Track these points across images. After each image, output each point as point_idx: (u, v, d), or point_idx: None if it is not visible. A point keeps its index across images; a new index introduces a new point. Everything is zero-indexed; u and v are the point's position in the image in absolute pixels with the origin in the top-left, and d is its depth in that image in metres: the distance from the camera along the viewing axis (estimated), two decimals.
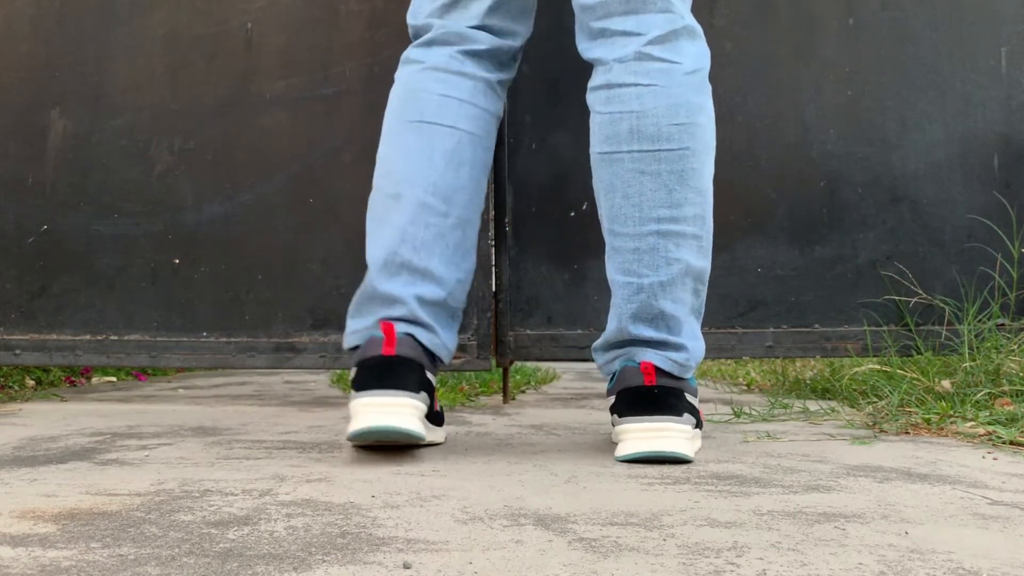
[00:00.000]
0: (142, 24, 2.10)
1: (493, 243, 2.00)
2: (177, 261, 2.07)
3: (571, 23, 1.41)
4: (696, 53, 1.31)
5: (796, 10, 2.03)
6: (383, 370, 1.21)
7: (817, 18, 2.03)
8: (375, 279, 1.28)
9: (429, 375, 1.26)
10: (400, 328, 1.24)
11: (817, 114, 2.02)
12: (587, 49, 1.36)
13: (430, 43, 1.39)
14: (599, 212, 1.34)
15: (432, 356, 1.28)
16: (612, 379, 1.30)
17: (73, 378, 2.80)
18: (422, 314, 1.26)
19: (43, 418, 1.79)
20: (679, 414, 1.24)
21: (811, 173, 2.01)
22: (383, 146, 1.35)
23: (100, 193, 2.08)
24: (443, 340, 1.30)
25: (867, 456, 1.28)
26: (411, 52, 1.41)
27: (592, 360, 1.41)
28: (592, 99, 1.34)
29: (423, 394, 1.24)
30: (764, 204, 2.01)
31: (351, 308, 1.32)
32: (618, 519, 0.87)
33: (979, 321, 1.88)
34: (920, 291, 1.96)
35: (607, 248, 1.32)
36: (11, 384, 2.40)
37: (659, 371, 1.25)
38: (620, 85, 1.29)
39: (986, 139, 2.01)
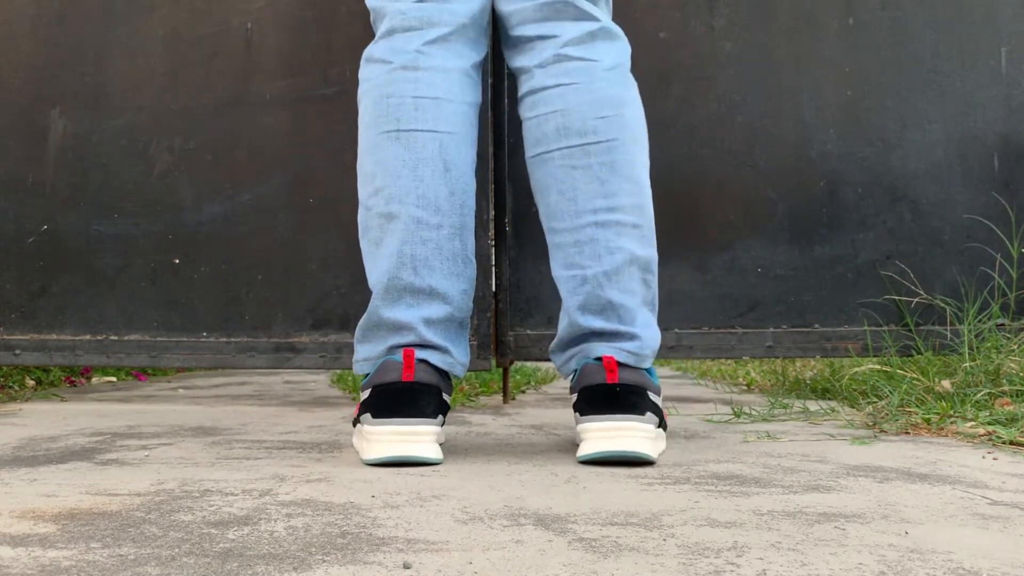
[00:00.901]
0: (142, 24, 2.10)
1: (493, 243, 2.00)
2: (177, 261, 2.07)
3: None
4: (615, 51, 1.33)
5: (796, 10, 2.03)
6: (402, 397, 1.20)
7: (817, 18, 2.03)
8: (379, 306, 1.26)
9: (445, 396, 1.25)
10: (416, 354, 1.23)
11: (817, 114, 2.02)
12: (510, 58, 1.39)
13: (391, 32, 1.33)
14: (540, 215, 1.34)
15: (447, 375, 1.27)
16: (573, 377, 1.29)
17: (73, 378, 2.80)
18: (431, 336, 1.25)
19: (43, 418, 1.79)
20: (641, 413, 1.21)
21: (811, 173, 2.01)
22: (365, 160, 1.31)
23: (100, 193, 2.08)
24: (456, 358, 1.28)
25: (867, 456, 1.28)
26: (374, 50, 1.35)
27: None
28: (521, 109, 1.35)
29: (440, 417, 1.23)
30: (764, 204, 2.01)
31: (358, 333, 1.30)
32: (618, 519, 0.87)
33: (979, 321, 1.88)
34: (920, 291, 1.96)
35: (549, 248, 1.32)
36: (11, 384, 2.40)
37: (621, 366, 1.23)
38: (543, 88, 1.31)
39: (986, 139, 2.01)
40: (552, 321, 2.00)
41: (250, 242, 2.06)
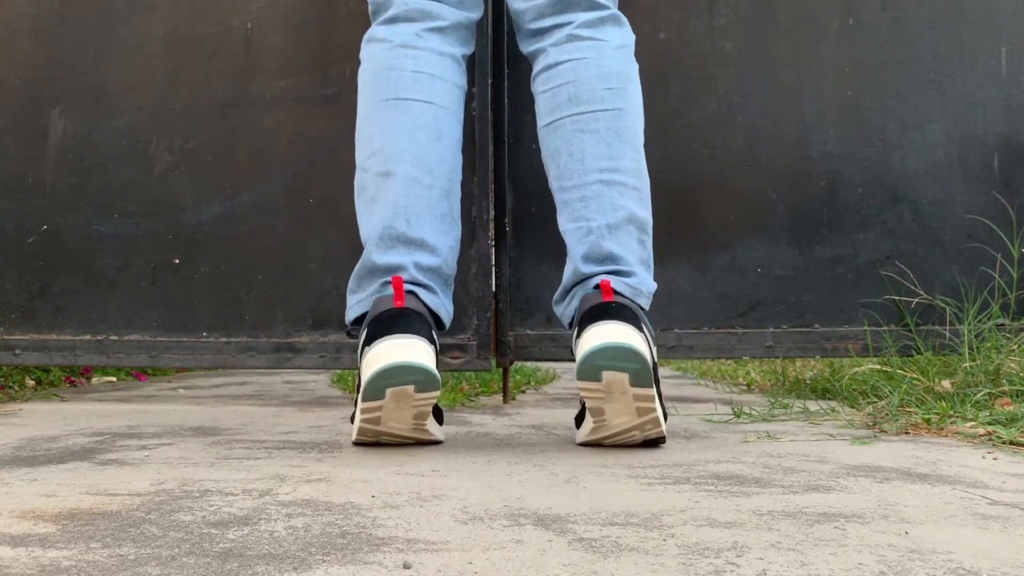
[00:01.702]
0: (142, 24, 2.10)
1: (493, 243, 2.00)
2: (177, 261, 2.07)
3: None
4: (622, 34, 1.45)
5: (796, 10, 2.03)
6: (395, 319, 1.25)
7: (817, 18, 2.03)
8: (373, 253, 1.34)
9: (434, 334, 1.31)
10: (405, 286, 1.30)
11: (817, 114, 2.02)
12: (526, 46, 1.50)
13: (393, 20, 1.45)
14: (549, 182, 1.43)
15: (435, 317, 1.35)
16: (573, 319, 1.34)
17: (73, 378, 2.80)
18: (422, 277, 1.33)
19: (43, 418, 1.79)
20: (637, 326, 1.24)
21: (811, 173, 2.01)
22: (364, 126, 1.40)
23: (100, 193, 2.08)
24: (443, 301, 1.37)
25: (867, 456, 1.28)
26: (376, 31, 1.47)
27: None
28: (535, 84, 1.46)
29: (433, 347, 1.28)
30: (764, 204, 2.01)
31: (351, 284, 1.38)
32: (618, 519, 0.87)
33: (979, 321, 1.88)
34: (920, 291, 1.96)
35: (558, 207, 1.41)
36: (11, 384, 2.40)
37: (616, 292, 1.29)
38: (556, 64, 1.42)
39: (986, 139, 2.01)
40: (552, 321, 2.00)
41: (250, 242, 2.06)
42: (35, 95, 2.11)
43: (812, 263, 2.00)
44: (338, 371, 3.07)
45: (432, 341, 1.28)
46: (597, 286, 1.30)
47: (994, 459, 1.25)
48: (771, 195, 2.01)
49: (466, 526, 0.84)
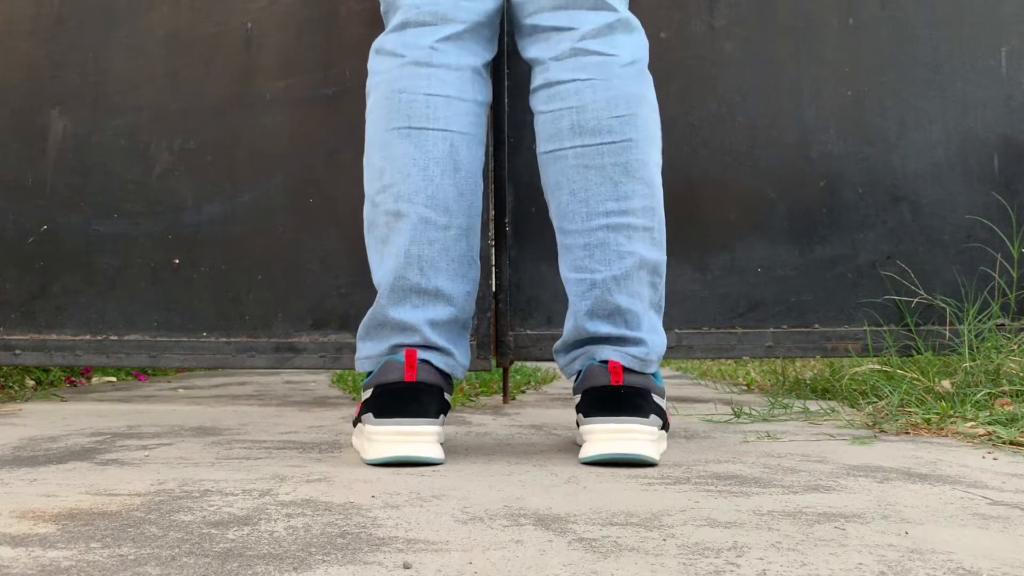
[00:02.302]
0: (142, 24, 2.10)
1: (493, 243, 2.00)
2: (177, 261, 2.07)
3: None
4: (633, 45, 1.31)
5: (796, 10, 2.03)
6: (404, 397, 1.20)
7: (817, 18, 2.03)
8: (385, 305, 1.25)
9: (446, 396, 1.25)
10: (418, 355, 1.23)
11: (817, 114, 2.02)
12: (523, 48, 1.36)
13: (404, 26, 1.30)
14: (550, 212, 1.33)
15: (448, 376, 1.27)
16: (577, 378, 1.28)
17: (73, 378, 2.80)
18: (435, 338, 1.24)
19: (43, 418, 1.79)
20: (645, 415, 1.21)
21: (811, 173, 2.01)
22: (373, 155, 1.29)
23: (100, 193, 2.08)
24: (457, 360, 1.28)
25: (867, 456, 1.28)
26: (386, 41, 1.32)
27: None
28: (534, 101, 1.33)
29: (441, 417, 1.23)
30: (764, 204, 2.01)
31: (361, 331, 1.29)
32: (618, 519, 0.87)
33: (979, 321, 1.88)
34: (920, 291, 1.96)
35: (559, 247, 1.31)
36: (11, 384, 2.40)
37: (626, 370, 1.23)
38: (559, 82, 1.29)
39: (986, 139, 2.01)
40: (552, 321, 2.00)
41: (250, 242, 2.06)
42: (35, 95, 2.11)
43: (812, 263, 2.00)
44: (338, 371, 3.07)
45: (441, 411, 1.23)
46: (604, 361, 1.23)
47: (994, 459, 1.25)
48: (771, 195, 2.01)
49: (466, 526, 0.84)
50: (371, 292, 1.31)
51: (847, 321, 1.99)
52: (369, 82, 1.33)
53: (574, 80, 1.28)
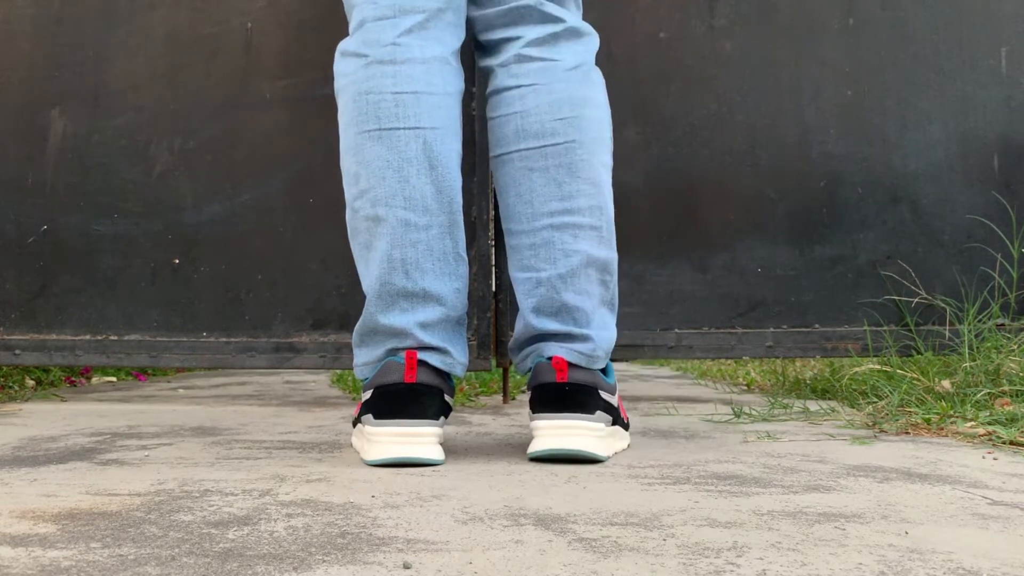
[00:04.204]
0: (142, 24, 2.10)
1: (493, 243, 2.00)
2: (177, 261, 2.07)
3: None
4: (578, 50, 1.32)
5: (796, 10, 2.03)
6: (403, 398, 1.20)
7: (817, 18, 2.03)
8: (374, 312, 1.25)
9: (447, 397, 1.25)
10: (418, 356, 1.23)
11: (817, 114, 2.02)
12: (479, 59, 1.39)
13: (363, 23, 1.27)
14: (500, 217, 1.34)
15: (448, 376, 1.27)
16: (529, 375, 1.30)
17: (73, 378, 2.80)
18: (428, 339, 1.23)
19: (43, 418, 1.79)
20: (591, 412, 1.22)
21: (811, 173, 2.01)
22: (347, 160, 1.27)
23: (100, 193, 2.08)
24: (455, 358, 1.27)
25: (867, 456, 1.28)
26: (349, 43, 1.29)
27: None
28: (487, 109, 1.35)
29: (442, 418, 1.23)
30: (764, 204, 2.01)
31: (355, 338, 1.29)
32: (618, 519, 0.87)
33: (979, 321, 1.88)
34: (920, 291, 1.96)
35: (507, 248, 1.33)
36: (11, 384, 2.40)
37: (571, 366, 1.23)
38: (504, 89, 1.31)
39: (986, 139, 2.01)
40: None
41: (250, 242, 2.06)
42: (35, 95, 2.11)
43: (812, 263, 2.00)
44: (338, 371, 3.07)
45: (441, 414, 1.23)
46: (550, 358, 1.24)
47: (994, 459, 1.25)
48: (771, 195, 2.01)
49: (466, 526, 0.84)
50: None
51: (847, 321, 1.99)
52: (336, 86, 1.31)
53: (518, 86, 1.30)
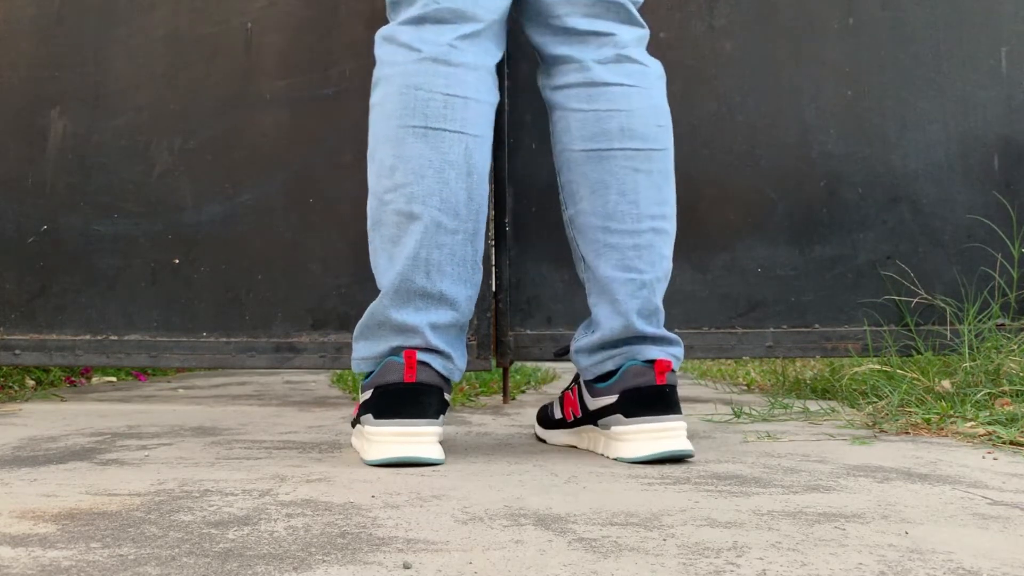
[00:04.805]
0: (142, 24, 2.10)
1: (493, 243, 2.00)
2: (177, 261, 2.07)
3: None
4: (655, 60, 1.36)
5: (796, 10, 2.03)
6: (404, 398, 1.20)
7: (817, 18, 2.03)
8: (388, 306, 1.23)
9: (446, 395, 1.26)
10: (418, 356, 1.22)
11: (817, 114, 2.02)
12: (551, 46, 1.34)
13: (421, 20, 1.26)
14: (578, 209, 1.32)
15: (447, 379, 1.27)
16: (607, 378, 1.28)
17: (73, 378, 2.80)
18: (436, 341, 1.23)
19: (43, 418, 1.79)
20: (681, 412, 1.26)
21: (811, 173, 2.01)
22: (384, 151, 1.24)
23: (100, 193, 2.08)
24: (456, 363, 1.27)
25: (867, 456, 1.28)
26: (400, 32, 1.27)
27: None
28: (564, 96, 1.32)
29: (441, 417, 1.24)
30: (764, 204, 2.01)
31: (358, 330, 1.27)
32: (618, 519, 0.87)
33: (979, 321, 1.88)
34: (920, 291, 1.96)
35: (597, 245, 1.30)
36: (11, 384, 2.40)
37: (671, 370, 1.26)
38: (604, 84, 1.30)
39: (986, 139, 2.01)
40: (552, 321, 2.00)
41: (250, 242, 2.06)
42: (35, 95, 2.11)
43: (812, 263, 2.00)
44: (338, 371, 3.07)
45: (440, 411, 1.23)
46: (648, 361, 1.25)
47: (994, 459, 1.25)
48: (771, 195, 2.01)
49: (466, 526, 0.84)
50: (372, 292, 1.31)
51: (847, 321, 1.99)
52: (378, 72, 1.28)
53: (621, 84, 1.30)
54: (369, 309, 1.27)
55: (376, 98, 1.28)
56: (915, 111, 2.01)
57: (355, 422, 1.31)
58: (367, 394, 1.23)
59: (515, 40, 1.55)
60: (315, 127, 2.05)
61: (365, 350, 1.27)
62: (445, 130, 1.23)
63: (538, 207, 2.01)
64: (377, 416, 1.20)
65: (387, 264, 1.25)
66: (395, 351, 1.24)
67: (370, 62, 1.41)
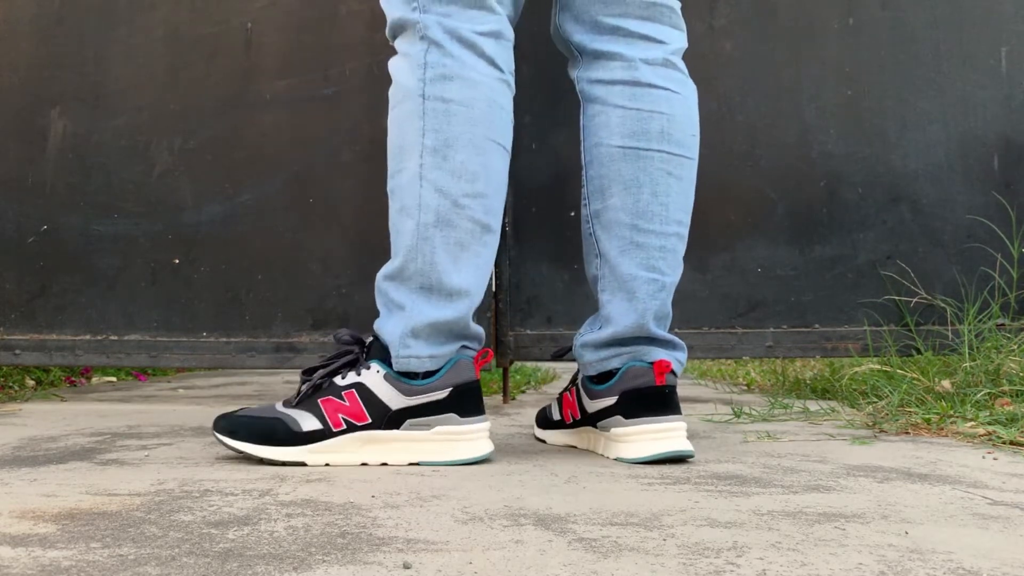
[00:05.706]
0: (142, 24, 2.10)
1: None
2: (177, 261, 2.07)
3: None
4: (688, 72, 1.37)
5: (796, 10, 2.03)
6: (480, 396, 1.26)
7: (817, 18, 2.03)
8: (467, 317, 1.25)
9: None
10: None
11: (817, 114, 2.02)
12: (594, 41, 1.34)
13: (499, 36, 1.27)
14: (606, 205, 1.31)
15: None
16: (606, 379, 1.29)
17: (73, 378, 2.80)
18: (472, 330, 1.30)
19: (43, 418, 1.79)
20: (681, 412, 1.27)
21: (811, 173, 2.01)
22: (468, 155, 1.23)
23: (100, 193, 2.08)
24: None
25: (867, 456, 1.28)
26: (484, 44, 1.25)
27: None
28: (605, 91, 1.32)
29: None
30: (764, 204, 2.01)
31: (422, 331, 1.23)
32: (618, 519, 0.87)
33: (979, 321, 1.88)
34: (920, 291, 1.96)
35: (624, 243, 1.30)
36: (11, 384, 2.40)
37: (671, 371, 1.28)
38: (650, 85, 1.31)
39: (986, 139, 2.01)
40: (552, 321, 2.00)
41: (250, 242, 2.06)
42: (35, 95, 2.11)
43: (812, 263, 2.00)
44: None
45: None
46: (651, 362, 1.27)
47: (994, 459, 1.25)
48: (771, 195, 2.01)
49: (466, 526, 0.84)
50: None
51: (847, 321, 1.99)
52: (450, 68, 1.24)
53: (667, 89, 1.32)
54: (434, 313, 1.24)
55: (451, 94, 1.24)
56: (915, 111, 2.01)
57: (369, 426, 1.27)
58: (444, 392, 1.22)
59: (569, 29, 1.52)
60: (315, 127, 2.05)
61: (432, 349, 1.24)
62: (505, 149, 1.29)
63: (538, 207, 2.01)
64: (463, 415, 1.23)
65: (451, 266, 1.24)
66: (464, 350, 1.27)
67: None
